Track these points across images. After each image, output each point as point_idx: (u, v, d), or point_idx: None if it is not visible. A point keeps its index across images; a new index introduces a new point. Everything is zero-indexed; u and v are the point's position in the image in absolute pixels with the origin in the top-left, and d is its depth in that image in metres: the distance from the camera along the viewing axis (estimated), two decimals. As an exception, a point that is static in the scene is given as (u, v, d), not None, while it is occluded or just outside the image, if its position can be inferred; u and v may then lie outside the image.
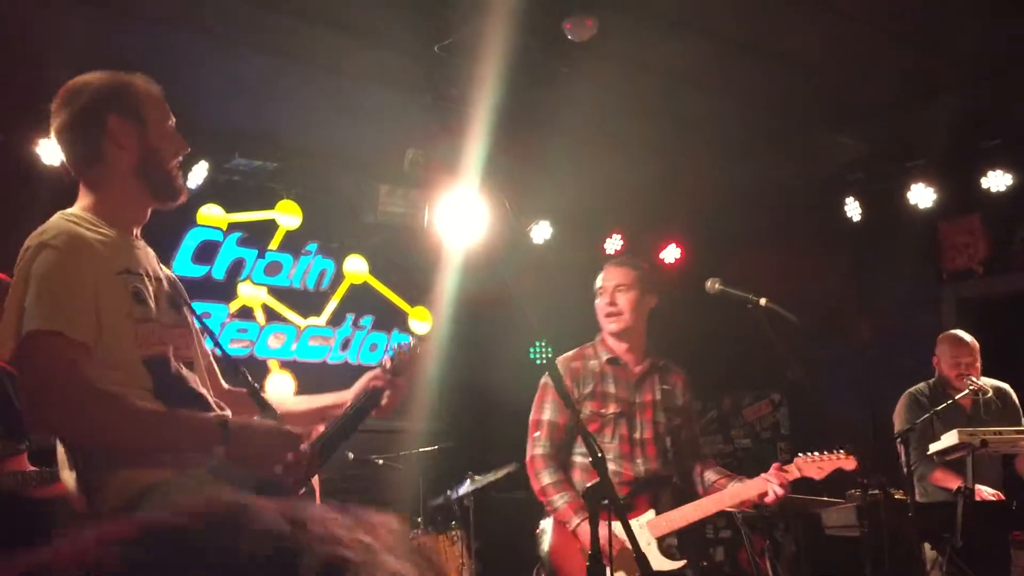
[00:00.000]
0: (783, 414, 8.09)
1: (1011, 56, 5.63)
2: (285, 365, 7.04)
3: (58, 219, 2.31)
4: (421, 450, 6.35)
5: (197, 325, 2.55)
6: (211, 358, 2.62)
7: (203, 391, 2.40)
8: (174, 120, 2.55)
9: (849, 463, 3.71)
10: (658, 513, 3.71)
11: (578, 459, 3.80)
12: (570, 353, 3.97)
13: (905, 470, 4.56)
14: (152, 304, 2.33)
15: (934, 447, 4.56)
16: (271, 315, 7.02)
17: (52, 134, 2.43)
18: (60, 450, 2.24)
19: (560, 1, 4.84)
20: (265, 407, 2.49)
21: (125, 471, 2.14)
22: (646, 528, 3.66)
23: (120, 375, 2.19)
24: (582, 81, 5.58)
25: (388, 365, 2.76)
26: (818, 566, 5.60)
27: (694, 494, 3.86)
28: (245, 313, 6.91)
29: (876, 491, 4.01)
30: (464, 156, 5.94)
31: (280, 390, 7.02)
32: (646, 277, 4.00)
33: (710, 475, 3.88)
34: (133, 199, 2.43)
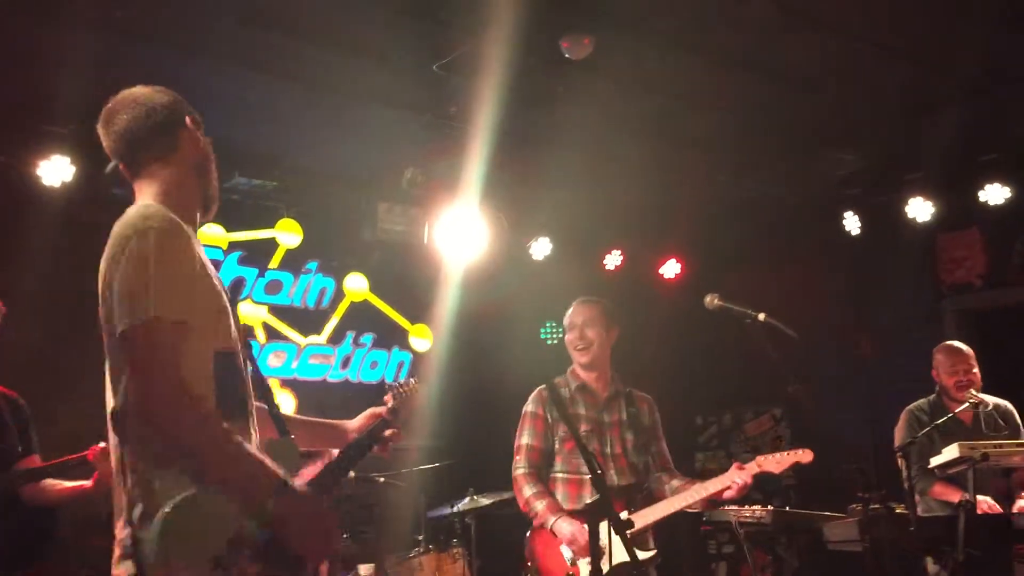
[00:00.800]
0: (784, 429, 8.09)
1: (1009, 70, 5.66)
2: (286, 384, 7.04)
3: (150, 205, 2.33)
4: (422, 467, 6.34)
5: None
6: None
7: (250, 394, 2.38)
8: None
9: (805, 456, 3.93)
10: (631, 514, 4.07)
11: (559, 475, 4.25)
12: (542, 386, 4.35)
13: (906, 484, 4.56)
14: (223, 297, 2.36)
15: (935, 461, 4.56)
16: (271, 333, 7.03)
17: (116, 126, 2.49)
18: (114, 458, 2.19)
19: (558, 20, 4.87)
20: (283, 430, 2.52)
21: (168, 476, 2.08)
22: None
23: (194, 365, 2.14)
24: (580, 99, 5.61)
25: (391, 403, 2.84)
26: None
27: (662, 500, 4.22)
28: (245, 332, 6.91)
29: (877, 506, 4.01)
30: (463, 174, 5.96)
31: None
32: (609, 312, 4.46)
33: (675, 482, 4.25)
34: (193, 194, 2.49)
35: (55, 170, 5.60)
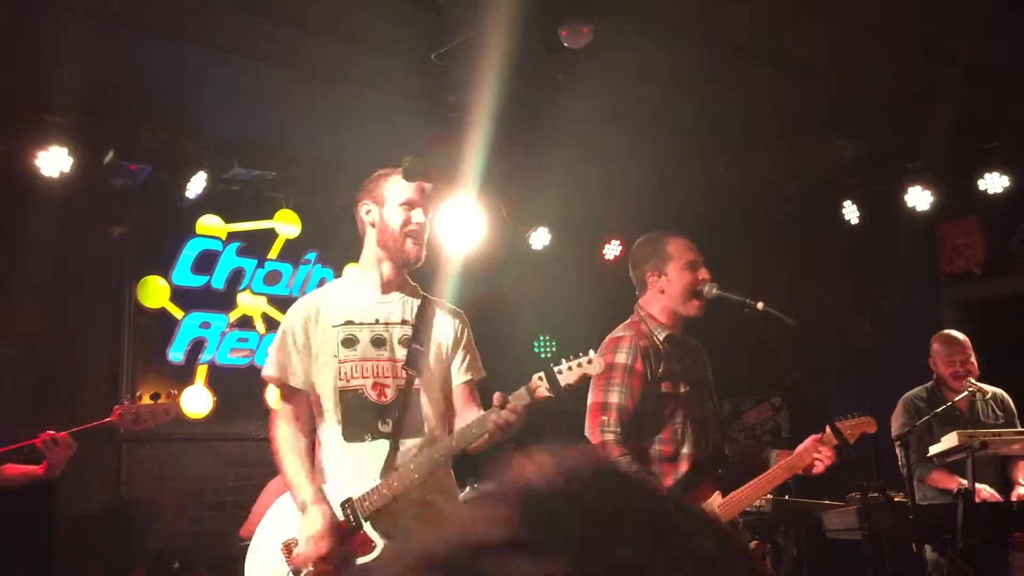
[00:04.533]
0: (784, 417, 8.09)
1: (1008, 58, 5.65)
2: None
3: None
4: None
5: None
6: None
7: None
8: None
9: (870, 426, 3.67)
10: (723, 495, 3.55)
11: (658, 447, 3.52)
12: (627, 332, 3.63)
13: (904, 472, 4.57)
14: None
15: (934, 449, 4.57)
16: (271, 324, 7.02)
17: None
18: None
19: (556, 8, 4.86)
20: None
21: None
22: (717, 512, 3.51)
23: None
24: (579, 87, 5.59)
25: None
26: (819, 569, 5.61)
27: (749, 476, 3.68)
28: (245, 323, 6.91)
29: (876, 494, 4.01)
30: (462, 163, 5.96)
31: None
32: None
33: (744, 449, 3.83)
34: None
35: (54, 161, 5.58)
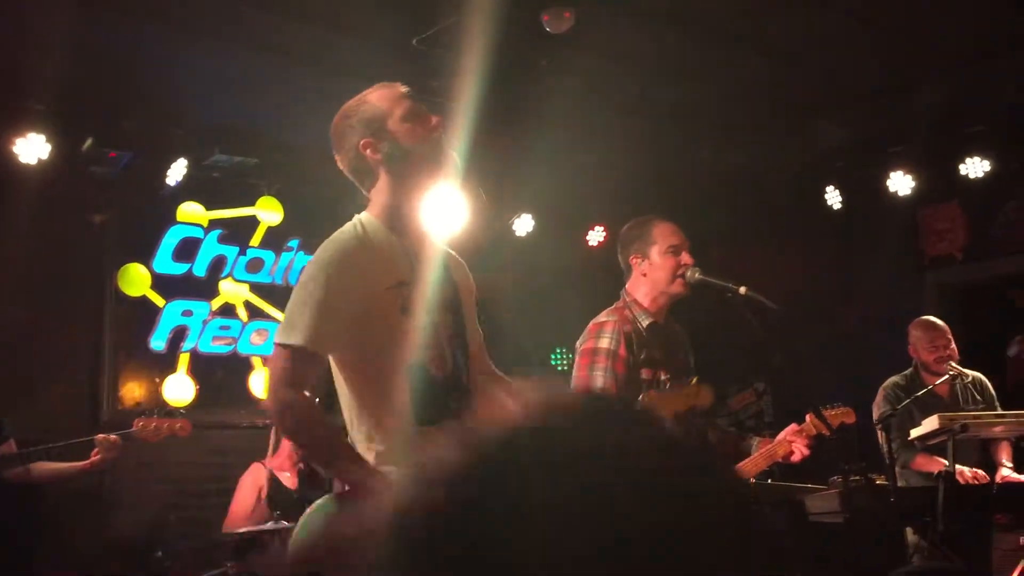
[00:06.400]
0: (767, 403, 8.13)
1: (990, 43, 5.66)
2: (268, 362, 7.02)
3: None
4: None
5: None
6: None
7: None
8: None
9: (849, 416, 3.80)
10: None
11: None
12: (611, 318, 3.64)
13: (886, 457, 4.59)
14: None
15: (915, 432, 4.60)
16: (253, 312, 6.99)
17: None
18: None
19: (538, -8, 4.84)
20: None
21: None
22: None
23: None
24: (562, 73, 5.58)
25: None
26: (801, 552, 5.63)
27: None
28: (227, 310, 6.87)
29: (858, 477, 4.03)
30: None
31: (263, 388, 6.99)
32: None
33: (727, 437, 3.90)
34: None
35: (31, 148, 5.53)
